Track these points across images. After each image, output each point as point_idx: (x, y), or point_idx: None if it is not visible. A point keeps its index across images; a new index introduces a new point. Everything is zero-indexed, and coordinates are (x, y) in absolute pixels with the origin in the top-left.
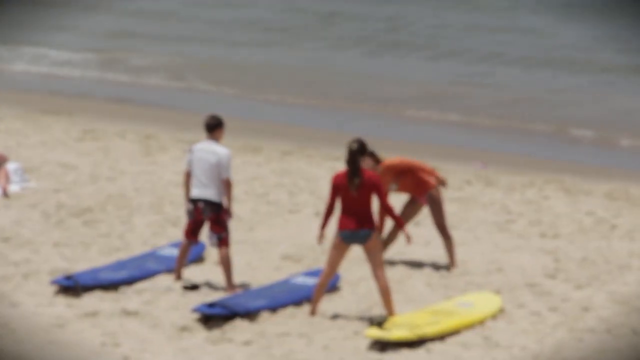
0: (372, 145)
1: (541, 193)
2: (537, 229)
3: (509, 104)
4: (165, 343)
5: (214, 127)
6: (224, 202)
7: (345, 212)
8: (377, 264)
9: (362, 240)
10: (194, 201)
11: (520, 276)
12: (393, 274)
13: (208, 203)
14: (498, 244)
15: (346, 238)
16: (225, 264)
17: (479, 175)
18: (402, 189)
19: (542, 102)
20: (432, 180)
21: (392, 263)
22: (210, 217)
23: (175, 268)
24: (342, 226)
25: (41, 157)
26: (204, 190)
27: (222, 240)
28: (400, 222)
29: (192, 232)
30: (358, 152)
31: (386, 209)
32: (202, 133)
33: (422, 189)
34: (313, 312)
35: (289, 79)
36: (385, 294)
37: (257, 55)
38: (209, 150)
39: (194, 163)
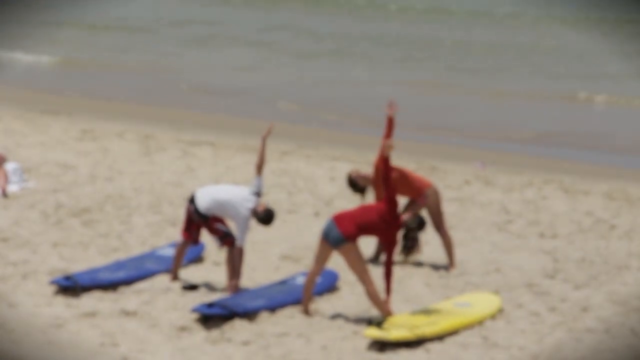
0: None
1: (540, 193)
2: (535, 229)
3: None
4: (164, 343)
5: (266, 222)
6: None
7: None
8: (358, 275)
9: (332, 242)
10: (191, 198)
11: (519, 276)
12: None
13: (197, 210)
14: (497, 244)
15: (324, 228)
16: (228, 263)
17: (478, 175)
18: (399, 193)
19: None
20: (426, 180)
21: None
22: (198, 221)
23: (172, 268)
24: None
25: (40, 157)
26: (201, 200)
27: (225, 241)
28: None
29: (187, 229)
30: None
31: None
32: (201, 133)
33: (419, 190)
34: (306, 312)
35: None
36: (372, 299)
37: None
38: (244, 198)
39: (227, 184)
